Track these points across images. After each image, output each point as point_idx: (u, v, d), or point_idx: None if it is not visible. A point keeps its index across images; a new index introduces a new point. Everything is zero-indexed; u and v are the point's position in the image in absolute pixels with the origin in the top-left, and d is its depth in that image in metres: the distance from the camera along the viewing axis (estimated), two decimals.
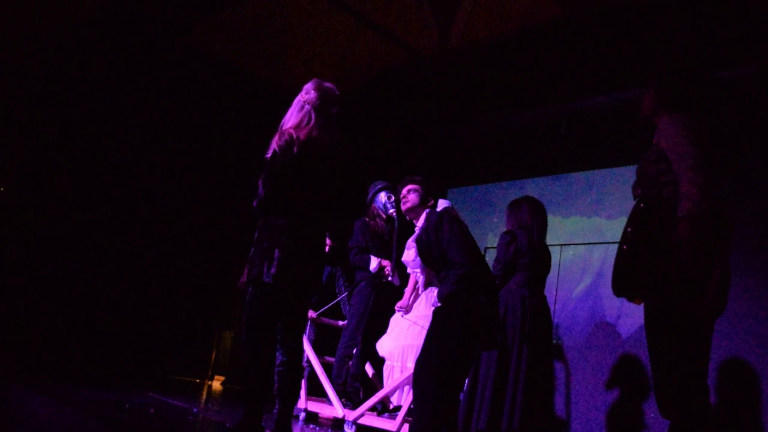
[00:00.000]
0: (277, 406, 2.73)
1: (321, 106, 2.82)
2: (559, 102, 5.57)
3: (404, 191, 3.14)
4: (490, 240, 5.80)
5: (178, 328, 7.14)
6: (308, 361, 4.58)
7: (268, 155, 2.71)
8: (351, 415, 4.06)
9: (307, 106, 2.82)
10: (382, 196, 4.47)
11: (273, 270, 2.62)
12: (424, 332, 2.81)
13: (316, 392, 4.65)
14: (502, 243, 3.72)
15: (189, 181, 7.17)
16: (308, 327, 5.19)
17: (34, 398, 3.51)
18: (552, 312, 4.05)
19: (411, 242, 3.65)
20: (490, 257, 4.02)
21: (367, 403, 4.06)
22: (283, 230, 2.67)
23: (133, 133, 6.75)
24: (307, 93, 2.84)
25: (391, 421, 3.87)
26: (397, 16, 6.05)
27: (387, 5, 5.96)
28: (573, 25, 5.38)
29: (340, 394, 4.30)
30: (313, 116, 2.80)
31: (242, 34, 6.50)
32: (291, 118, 2.83)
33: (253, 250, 2.74)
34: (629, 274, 2.39)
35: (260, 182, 2.71)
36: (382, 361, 4.33)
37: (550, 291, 4.53)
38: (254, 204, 2.74)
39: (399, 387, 4.08)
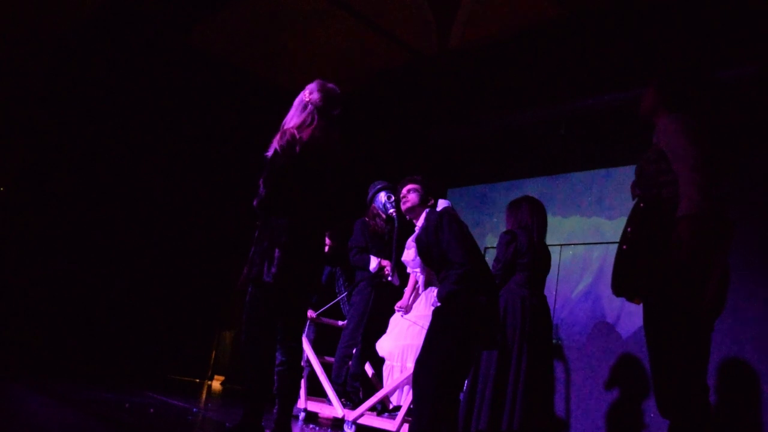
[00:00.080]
0: (276, 406, 2.73)
1: (324, 107, 2.83)
2: (559, 102, 5.57)
3: (404, 191, 3.14)
4: (489, 240, 5.79)
5: (178, 328, 7.14)
6: (308, 361, 4.58)
7: (269, 154, 2.71)
8: (351, 415, 4.06)
9: (310, 106, 2.82)
10: (382, 196, 4.47)
11: (273, 270, 2.62)
12: (424, 332, 2.81)
13: (316, 392, 4.65)
14: (501, 243, 3.72)
15: (189, 181, 7.18)
16: (308, 327, 5.19)
17: (34, 398, 3.51)
18: (552, 312, 4.05)
19: (411, 242, 3.65)
20: (490, 257, 4.02)
21: (366, 403, 4.06)
22: (284, 230, 2.67)
23: (133, 133, 6.75)
24: (311, 93, 2.84)
25: (391, 421, 3.87)
26: (397, 16, 6.04)
27: (387, 5, 5.96)
28: (573, 25, 5.38)
29: (340, 394, 4.30)
30: (315, 117, 2.81)
31: (242, 34, 6.50)
32: (293, 118, 2.83)
33: (253, 249, 2.74)
34: (629, 274, 2.39)
35: (261, 181, 2.72)
36: (381, 361, 4.33)
37: (550, 291, 4.53)
38: (254, 203, 2.74)
39: (399, 387, 4.08)
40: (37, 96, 6.26)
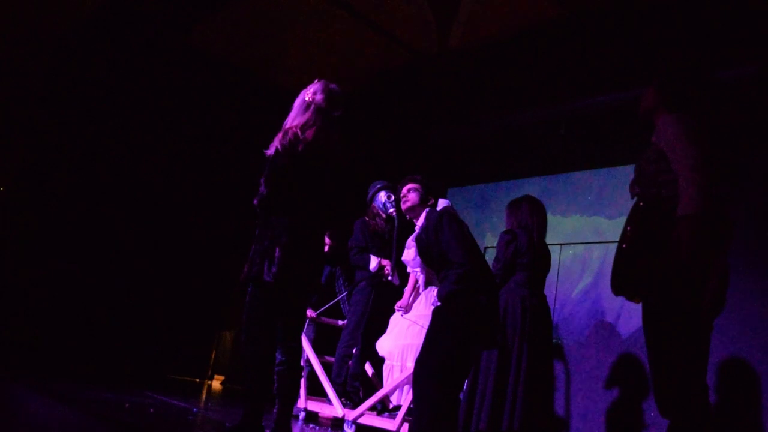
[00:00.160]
0: (276, 406, 2.73)
1: (326, 108, 2.84)
2: (559, 102, 5.57)
3: (404, 190, 3.14)
4: (489, 240, 5.80)
5: (178, 328, 7.14)
6: (308, 360, 4.58)
7: (270, 152, 2.72)
8: (351, 414, 4.06)
9: (312, 106, 2.83)
10: (382, 196, 4.47)
11: (274, 269, 2.62)
12: (424, 332, 2.81)
13: (316, 392, 4.65)
14: (501, 242, 3.72)
15: (189, 181, 7.17)
16: (308, 326, 5.19)
17: (34, 398, 3.51)
18: (552, 311, 4.06)
19: (411, 241, 3.65)
20: (490, 257, 4.02)
21: (366, 403, 4.06)
22: (284, 229, 2.67)
23: (133, 133, 6.75)
24: (315, 94, 2.85)
25: (391, 420, 3.87)
26: (397, 16, 6.04)
27: (387, 5, 5.96)
28: (573, 25, 5.38)
29: (340, 394, 4.30)
30: (318, 117, 2.81)
31: (242, 34, 6.50)
32: (296, 118, 2.83)
33: (253, 248, 2.74)
34: (629, 273, 2.39)
35: (262, 180, 2.72)
36: (381, 360, 4.33)
37: (550, 291, 4.53)
38: (255, 202, 2.74)
39: (399, 386, 4.08)
40: (37, 96, 6.26)
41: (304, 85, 2.95)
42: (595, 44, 5.28)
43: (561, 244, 5.30)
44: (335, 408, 4.19)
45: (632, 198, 2.54)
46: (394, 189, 4.01)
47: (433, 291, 4.01)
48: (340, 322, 5.00)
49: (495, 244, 3.89)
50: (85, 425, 2.83)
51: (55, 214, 6.24)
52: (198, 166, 7.22)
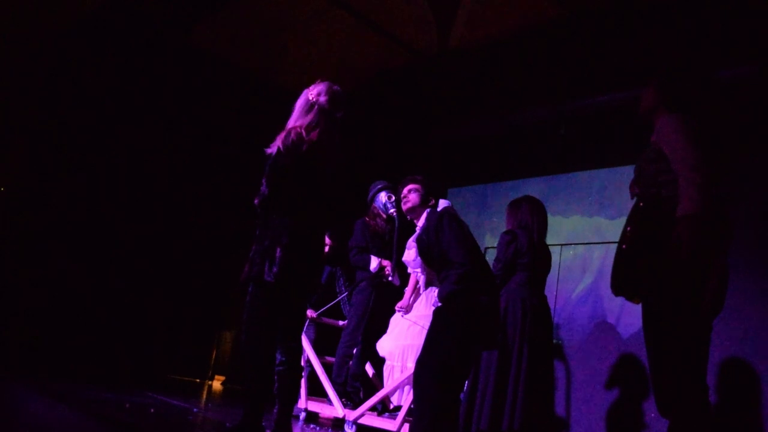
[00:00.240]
0: (276, 406, 2.73)
1: (330, 109, 2.84)
2: (559, 102, 5.57)
3: (405, 191, 3.14)
4: (489, 240, 5.80)
5: (178, 328, 7.14)
6: (308, 361, 4.58)
7: (271, 151, 2.72)
8: (351, 415, 4.06)
9: (316, 107, 2.83)
10: (383, 196, 4.47)
11: (275, 269, 2.62)
12: (424, 332, 2.81)
13: (317, 392, 4.65)
14: (502, 243, 3.72)
15: (189, 181, 7.17)
16: (308, 327, 5.19)
17: (34, 398, 3.51)
18: (552, 312, 4.05)
19: (411, 242, 3.65)
20: (490, 257, 4.02)
21: (367, 403, 4.06)
22: (285, 229, 2.67)
23: (133, 133, 6.75)
24: (319, 95, 2.85)
25: (392, 421, 3.87)
26: (397, 16, 6.05)
27: (387, 5, 5.96)
28: (573, 25, 5.38)
29: (341, 394, 4.30)
30: (321, 118, 2.82)
31: (242, 34, 6.50)
32: (299, 118, 2.83)
33: (254, 248, 2.74)
34: (628, 274, 2.39)
35: (263, 180, 2.72)
36: (382, 361, 4.33)
37: (550, 291, 4.52)
38: (256, 201, 2.74)
39: (399, 387, 4.08)
40: (37, 96, 6.26)
41: (305, 85, 2.95)
42: (595, 44, 5.28)
43: (561, 245, 5.30)
44: (336, 408, 4.19)
45: (632, 198, 2.54)
46: (395, 189, 4.01)
47: (433, 291, 4.01)
48: (341, 323, 4.99)
49: (495, 245, 3.89)
50: (85, 425, 2.83)
51: (55, 214, 6.24)
52: (198, 166, 7.21)
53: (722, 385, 4.08)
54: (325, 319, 5.11)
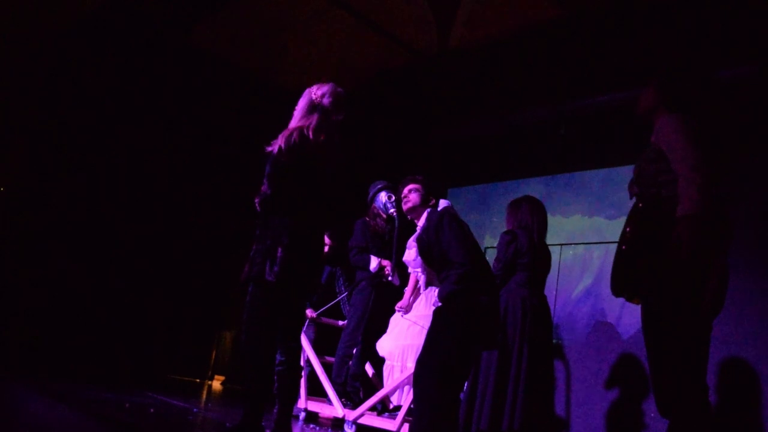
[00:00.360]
0: (276, 406, 2.73)
1: (332, 110, 2.85)
2: (559, 102, 5.57)
3: (405, 191, 3.14)
4: (489, 240, 5.80)
5: (178, 328, 7.14)
6: (308, 361, 4.58)
7: (273, 150, 2.72)
8: (351, 414, 4.06)
9: (320, 108, 2.83)
10: (383, 196, 4.46)
11: (276, 269, 2.62)
12: (424, 332, 2.81)
13: (316, 392, 4.65)
14: (502, 242, 3.72)
15: (189, 181, 7.17)
16: (308, 327, 5.19)
17: (34, 398, 3.51)
18: (552, 312, 4.05)
19: (412, 242, 3.65)
20: (490, 257, 4.02)
21: (367, 403, 4.06)
22: (286, 229, 2.68)
23: (133, 133, 6.75)
24: (324, 97, 2.86)
25: (391, 420, 3.87)
26: (397, 16, 6.05)
27: (387, 5, 5.96)
28: (573, 25, 5.38)
29: (340, 394, 4.30)
30: (324, 119, 2.82)
31: (242, 34, 6.50)
32: (302, 119, 2.84)
33: (254, 248, 2.74)
34: (628, 274, 2.39)
35: (265, 180, 2.72)
36: (382, 360, 4.33)
37: (550, 291, 4.53)
38: (257, 201, 2.74)
39: (399, 387, 4.08)
40: (37, 96, 6.26)
41: (305, 85, 2.95)
42: (595, 44, 5.28)
43: (561, 245, 5.30)
44: (335, 408, 4.19)
45: (631, 198, 2.54)
46: (395, 189, 4.01)
47: (433, 291, 4.01)
48: (341, 323, 4.99)
49: (495, 245, 3.89)
50: (85, 425, 2.83)
51: (55, 214, 6.24)
52: (198, 166, 7.21)
53: (722, 385, 4.08)
54: (325, 319, 5.11)
